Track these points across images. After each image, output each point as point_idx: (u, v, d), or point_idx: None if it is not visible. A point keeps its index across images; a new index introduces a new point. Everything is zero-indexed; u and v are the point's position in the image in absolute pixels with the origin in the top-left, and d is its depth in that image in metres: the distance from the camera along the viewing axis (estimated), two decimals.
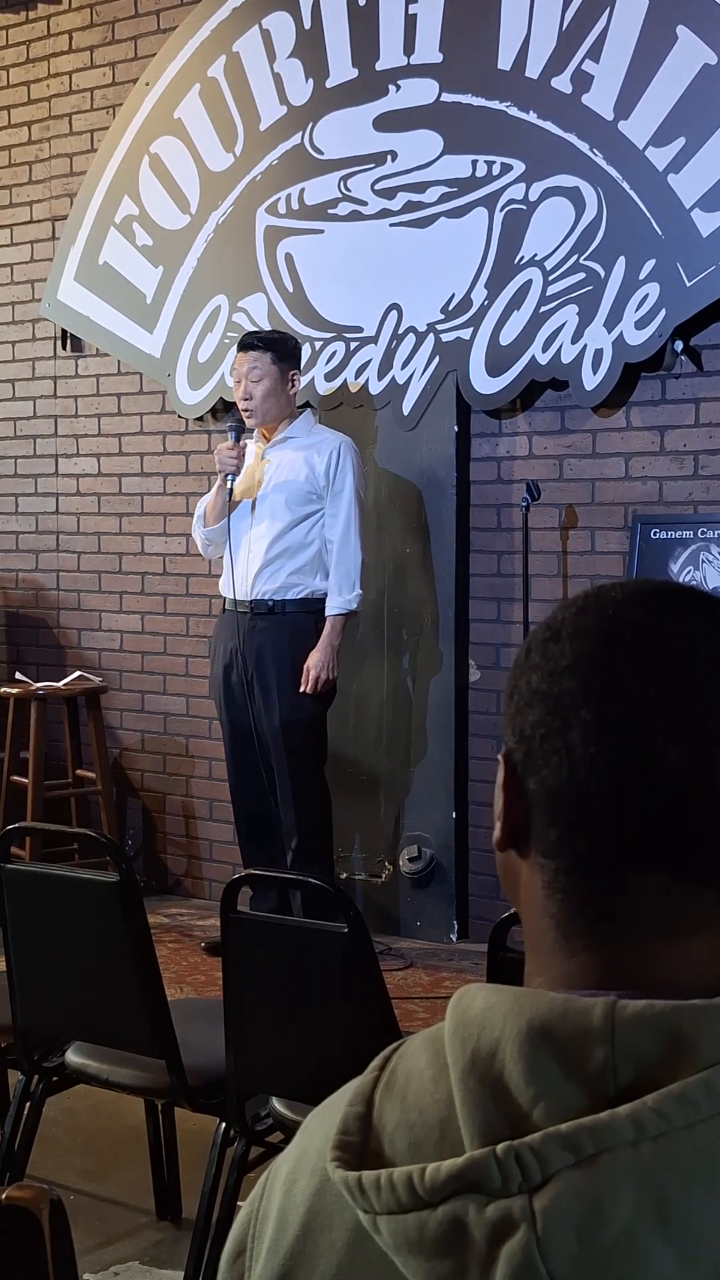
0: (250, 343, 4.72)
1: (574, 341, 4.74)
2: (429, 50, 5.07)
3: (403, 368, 5.14)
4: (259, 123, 5.52)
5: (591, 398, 4.74)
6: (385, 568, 5.13)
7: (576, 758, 0.83)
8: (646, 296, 4.58)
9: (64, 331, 6.12)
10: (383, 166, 5.19)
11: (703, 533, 4.52)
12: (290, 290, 5.44)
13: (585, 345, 4.71)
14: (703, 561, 4.51)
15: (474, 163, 4.97)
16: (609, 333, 4.66)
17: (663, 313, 4.55)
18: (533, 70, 4.83)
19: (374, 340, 5.21)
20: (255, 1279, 0.88)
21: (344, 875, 5.27)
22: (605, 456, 4.81)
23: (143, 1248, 3.17)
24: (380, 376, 5.20)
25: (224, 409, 5.57)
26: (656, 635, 0.85)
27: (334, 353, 5.31)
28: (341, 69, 5.29)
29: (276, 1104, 2.74)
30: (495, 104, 4.92)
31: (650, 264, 4.57)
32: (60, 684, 5.74)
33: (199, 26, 5.64)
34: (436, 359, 5.06)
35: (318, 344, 5.34)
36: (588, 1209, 0.72)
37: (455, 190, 5.02)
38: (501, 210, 4.91)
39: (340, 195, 5.30)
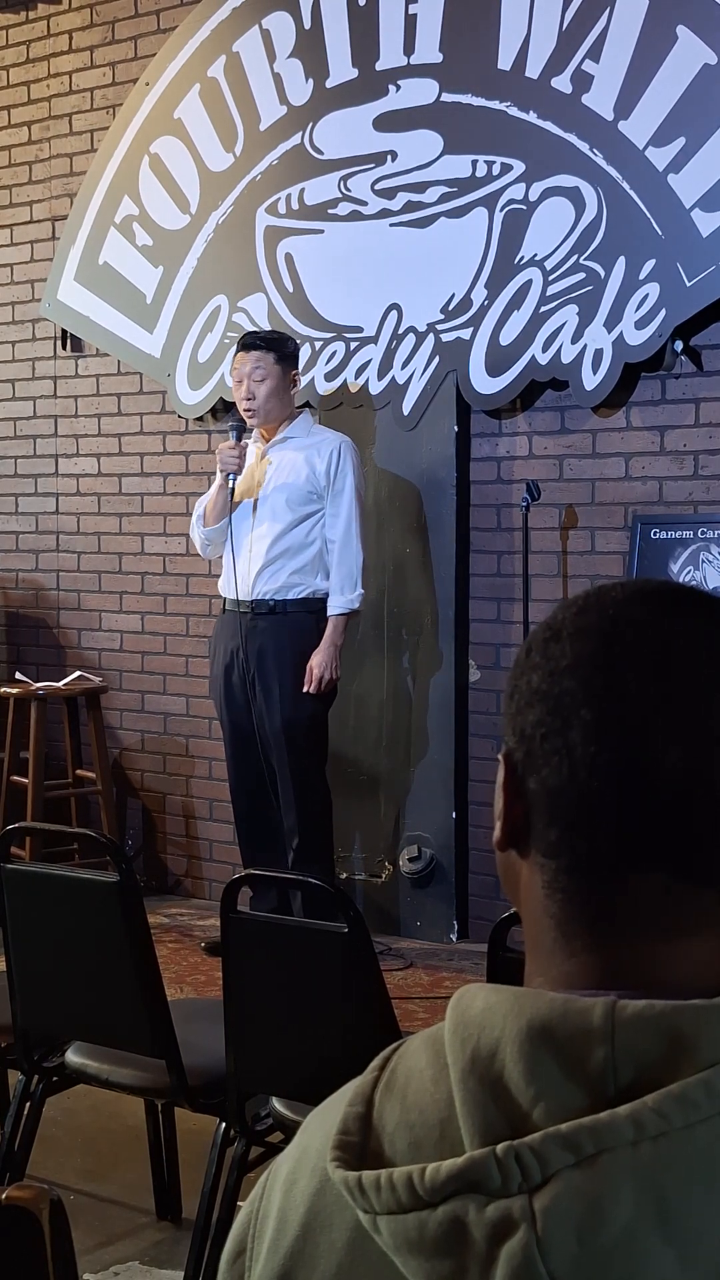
0: (252, 342, 4.72)
1: (574, 341, 4.74)
2: (429, 50, 5.07)
3: (403, 368, 5.14)
4: (259, 123, 5.52)
5: (591, 398, 4.74)
6: (385, 567, 5.13)
7: (577, 757, 0.83)
8: (646, 296, 4.58)
9: (64, 331, 6.12)
10: (383, 166, 5.19)
11: (703, 533, 4.52)
12: (290, 290, 5.44)
13: (585, 345, 4.72)
14: (703, 561, 4.50)
15: (474, 163, 4.97)
16: (609, 333, 4.66)
17: (663, 313, 4.55)
18: (533, 70, 4.83)
19: (374, 340, 5.21)
20: (255, 1279, 0.88)
21: (344, 875, 5.27)
22: (605, 456, 4.81)
23: (143, 1248, 3.17)
24: (380, 376, 5.20)
25: (224, 409, 5.57)
26: (657, 635, 0.85)
27: (334, 353, 5.31)
28: (341, 69, 5.29)
29: (276, 1104, 2.74)
30: (495, 104, 4.92)
31: (650, 264, 4.57)
32: (60, 684, 5.74)
33: (199, 26, 5.64)
34: (436, 359, 5.06)
35: (318, 344, 5.34)
36: (588, 1209, 0.72)
37: (455, 190, 5.02)
38: (501, 210, 4.91)
39: (340, 195, 5.30)
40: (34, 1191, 1.36)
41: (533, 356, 4.83)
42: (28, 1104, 3.06)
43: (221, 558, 4.84)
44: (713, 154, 4.47)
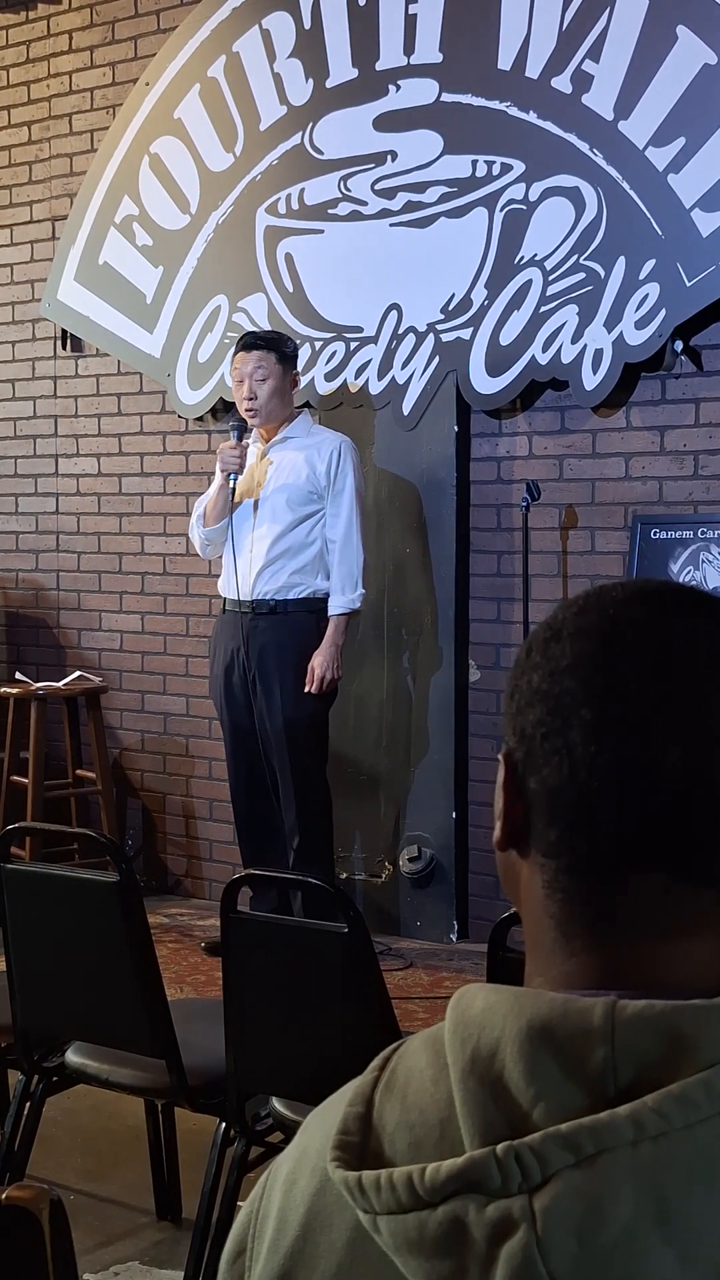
0: (253, 342, 4.72)
1: (574, 341, 4.74)
2: (429, 50, 5.07)
3: (403, 368, 5.14)
4: (259, 123, 5.52)
5: (591, 398, 4.74)
6: (385, 567, 5.13)
7: (577, 757, 0.83)
8: (646, 296, 4.58)
9: (64, 331, 6.12)
10: (383, 166, 5.19)
11: (703, 533, 4.52)
12: (290, 290, 5.44)
13: (585, 345, 4.72)
14: (703, 561, 4.51)
15: (474, 163, 4.97)
16: (609, 333, 4.66)
17: (663, 313, 4.55)
18: (533, 70, 4.83)
19: (374, 340, 5.21)
20: (255, 1279, 0.88)
21: (344, 875, 5.27)
22: (605, 456, 4.81)
23: (143, 1248, 3.17)
24: (380, 376, 5.20)
25: (224, 409, 5.57)
26: (657, 635, 0.85)
27: (334, 353, 5.31)
28: (341, 69, 5.29)
29: (276, 1104, 2.74)
30: (495, 104, 4.92)
31: (650, 264, 4.57)
32: (60, 684, 5.74)
33: (199, 26, 5.64)
34: (436, 359, 5.06)
35: (318, 344, 5.34)
36: (588, 1209, 0.72)
37: (455, 190, 5.02)
38: (501, 210, 4.91)
39: (340, 195, 5.30)
40: (34, 1191, 1.36)
41: (533, 356, 4.83)
42: (28, 1104, 3.06)
43: (221, 558, 4.84)
44: (713, 154, 4.47)
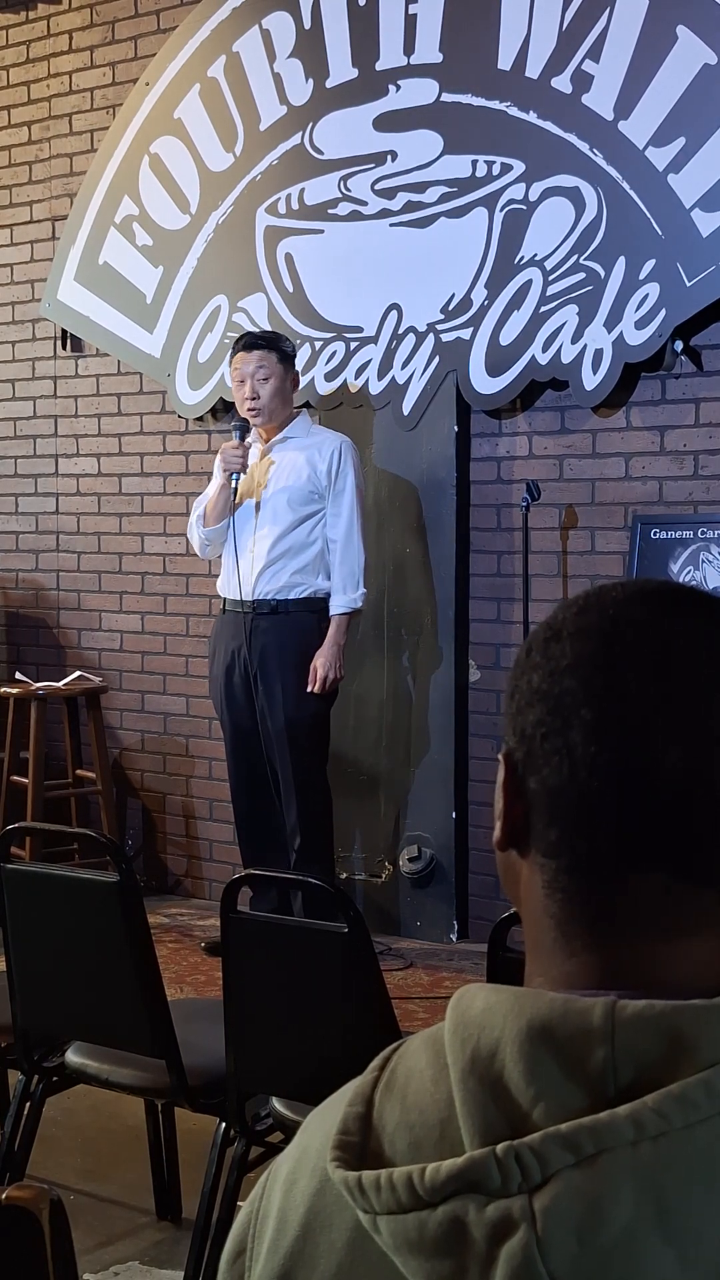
0: (254, 342, 4.72)
1: (574, 341, 4.74)
2: (429, 50, 5.07)
3: (403, 368, 5.14)
4: (259, 123, 5.52)
5: (591, 398, 4.74)
6: (385, 568, 5.13)
7: (577, 757, 0.83)
8: (646, 296, 4.58)
9: (64, 331, 6.12)
10: (383, 166, 5.19)
11: (703, 533, 4.52)
12: (290, 290, 5.44)
13: (585, 345, 4.72)
14: (703, 561, 4.50)
15: (474, 163, 4.97)
16: (609, 333, 4.66)
17: (663, 313, 4.55)
18: (533, 70, 4.83)
19: (374, 340, 5.21)
20: (255, 1279, 0.88)
21: (344, 875, 5.27)
22: (605, 456, 4.81)
23: (143, 1248, 3.17)
24: (380, 376, 5.20)
25: (224, 409, 5.57)
26: (657, 635, 0.85)
27: (334, 353, 5.31)
28: (341, 69, 5.29)
29: (276, 1104, 2.74)
30: (495, 104, 4.92)
31: (650, 264, 4.57)
32: (60, 684, 5.74)
33: (199, 26, 5.64)
34: (436, 359, 5.06)
35: (318, 344, 5.34)
36: (588, 1209, 0.72)
37: (455, 190, 5.02)
38: (501, 210, 4.91)
39: (340, 195, 5.30)
40: (34, 1191, 1.36)
41: (533, 356, 4.83)
42: (28, 1104, 3.06)
43: (220, 558, 4.84)
44: (713, 154, 4.47)
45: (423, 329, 5.08)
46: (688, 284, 4.50)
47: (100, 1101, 3.57)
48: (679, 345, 4.58)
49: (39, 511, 6.31)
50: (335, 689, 4.73)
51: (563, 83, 4.77)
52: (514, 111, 4.88)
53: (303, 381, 5.08)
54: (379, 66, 5.19)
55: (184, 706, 5.87)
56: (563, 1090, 0.75)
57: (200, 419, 5.74)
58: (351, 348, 5.27)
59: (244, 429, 4.71)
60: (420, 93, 5.10)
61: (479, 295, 4.95)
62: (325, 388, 5.32)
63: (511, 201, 4.89)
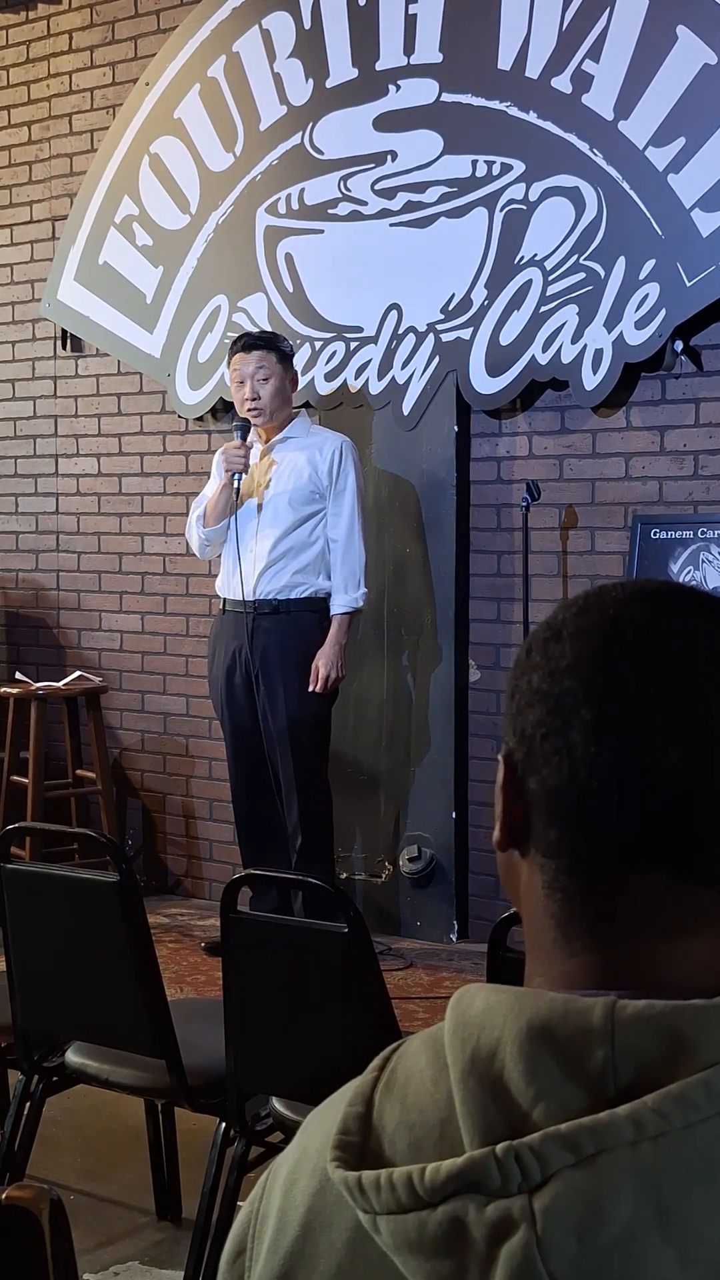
0: (253, 343, 4.72)
1: (574, 341, 4.74)
2: (429, 50, 5.07)
3: (403, 368, 5.14)
4: (259, 123, 5.52)
5: (591, 398, 4.74)
6: (385, 567, 5.13)
7: (577, 757, 0.83)
8: (646, 296, 4.58)
9: (64, 331, 6.12)
10: (383, 166, 5.19)
11: (703, 533, 4.52)
12: (290, 290, 5.44)
13: (585, 345, 4.72)
14: (703, 561, 4.50)
15: (474, 163, 4.97)
16: (609, 333, 4.66)
17: (663, 313, 4.55)
18: (533, 70, 4.83)
19: (374, 340, 5.21)
20: (255, 1279, 0.88)
21: (344, 875, 5.27)
22: (605, 456, 4.81)
23: (143, 1248, 3.17)
24: (380, 376, 5.20)
25: (224, 409, 5.57)
26: (657, 635, 0.85)
27: (334, 353, 5.31)
28: (341, 69, 5.29)
29: (276, 1104, 2.74)
30: (495, 104, 4.92)
31: (650, 264, 4.57)
32: (60, 684, 5.74)
33: (199, 26, 5.64)
34: (436, 359, 5.06)
35: (318, 344, 5.34)
36: (588, 1209, 0.72)
37: (455, 190, 5.02)
38: (501, 210, 4.91)
39: (340, 195, 5.30)
40: (34, 1191, 1.36)
41: (533, 356, 4.83)
42: (28, 1104, 3.06)
43: (219, 557, 4.84)
44: (713, 154, 4.47)
45: (423, 329, 5.09)
46: (688, 284, 4.50)
47: (100, 1101, 3.57)
48: (679, 345, 4.58)
49: (39, 511, 6.31)
50: (336, 689, 4.73)
51: (563, 83, 4.77)
52: (514, 111, 4.88)
53: (302, 381, 5.08)
54: (379, 66, 5.19)
55: (184, 706, 5.87)
56: (563, 1090, 0.75)
57: (200, 419, 5.74)
58: (351, 348, 5.27)
59: (245, 429, 4.71)
60: (420, 93, 5.10)
61: (479, 295, 4.95)
62: (325, 388, 5.32)
63: (511, 201, 4.89)
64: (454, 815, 5.11)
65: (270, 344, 4.72)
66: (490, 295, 4.93)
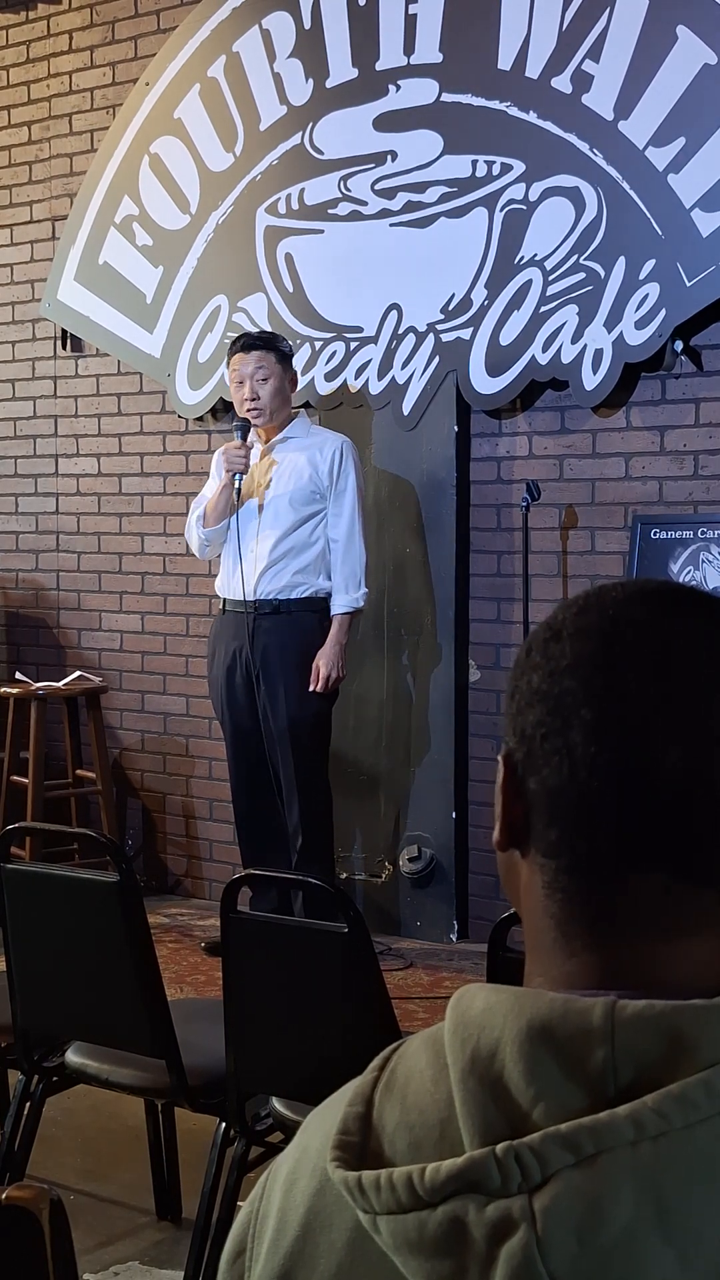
0: (253, 343, 4.72)
1: (574, 341, 4.74)
2: (429, 50, 5.07)
3: (403, 368, 5.14)
4: (259, 123, 5.52)
5: (591, 398, 4.74)
6: (385, 567, 5.13)
7: (577, 757, 0.83)
8: (646, 296, 4.58)
9: (64, 331, 6.12)
10: (383, 166, 5.19)
11: (703, 533, 4.52)
12: (290, 290, 5.44)
13: (585, 345, 4.72)
14: (703, 561, 4.50)
15: (474, 163, 4.97)
16: (609, 333, 4.66)
17: (663, 313, 4.55)
18: (533, 70, 4.83)
19: (374, 340, 5.21)
20: (255, 1279, 0.88)
21: (344, 875, 5.27)
22: (605, 456, 4.81)
23: (143, 1248, 3.17)
24: (380, 376, 5.20)
25: (224, 409, 5.57)
26: (657, 635, 0.85)
27: (334, 353, 5.31)
28: (341, 69, 5.29)
29: (276, 1104, 2.74)
30: (495, 104, 4.92)
31: (650, 264, 4.57)
32: (60, 684, 5.74)
33: (199, 26, 5.64)
34: (436, 359, 5.06)
35: (318, 344, 5.34)
36: (588, 1209, 0.72)
37: (455, 190, 5.02)
38: (501, 210, 4.91)
39: (340, 195, 5.30)
40: (34, 1191, 1.36)
41: (533, 356, 4.83)
42: (28, 1104, 3.06)
43: (219, 557, 4.84)
44: (713, 154, 4.47)
45: (423, 329, 5.09)
46: (688, 284, 4.50)
47: (100, 1101, 3.57)
48: (679, 345, 4.58)
49: (39, 511, 6.31)
50: (337, 689, 4.73)
51: (563, 83, 4.77)
52: (514, 111, 4.88)
53: (302, 381, 5.08)
54: (379, 66, 5.19)
55: (184, 706, 5.87)
56: (563, 1090, 0.75)
57: (200, 419, 5.74)
58: (351, 348, 5.27)
59: (245, 429, 4.71)
60: (420, 93, 5.10)
61: (479, 295, 4.95)
62: (325, 388, 5.32)
63: (511, 201, 4.89)
64: (454, 815, 5.11)
65: (269, 344, 4.72)
66: (490, 295, 4.93)
